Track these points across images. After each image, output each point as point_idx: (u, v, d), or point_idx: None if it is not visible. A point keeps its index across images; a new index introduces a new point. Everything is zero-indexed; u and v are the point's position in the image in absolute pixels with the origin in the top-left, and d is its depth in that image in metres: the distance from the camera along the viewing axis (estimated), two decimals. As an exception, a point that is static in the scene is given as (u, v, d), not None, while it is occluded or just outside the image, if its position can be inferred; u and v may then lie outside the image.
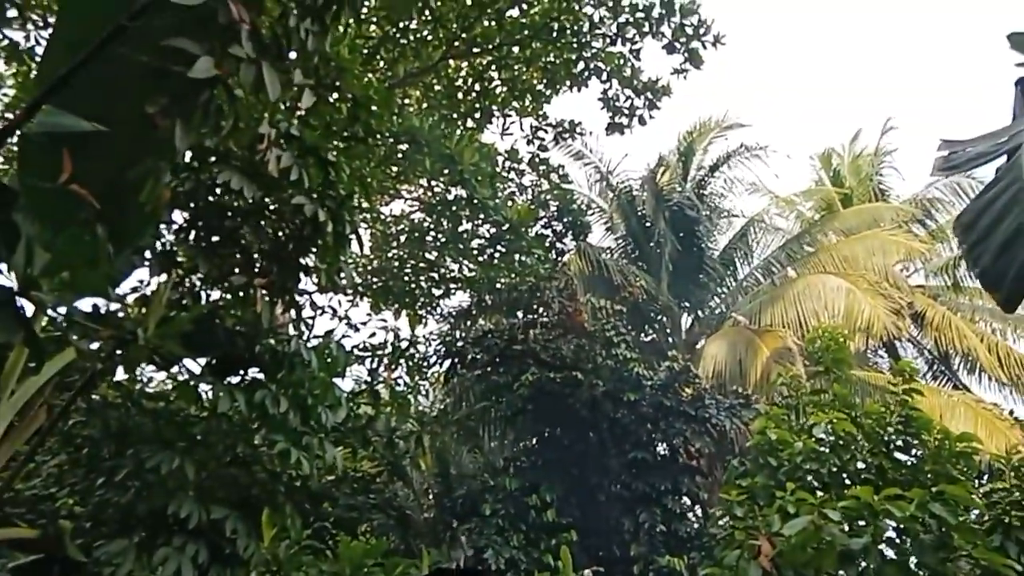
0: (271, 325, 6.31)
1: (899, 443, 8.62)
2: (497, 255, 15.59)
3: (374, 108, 12.22)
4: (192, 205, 6.42)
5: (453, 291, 17.85)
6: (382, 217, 18.16)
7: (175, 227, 6.47)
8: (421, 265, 17.16)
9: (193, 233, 6.73)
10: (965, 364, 20.26)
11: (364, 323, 19.32)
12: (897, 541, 6.25)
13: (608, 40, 15.10)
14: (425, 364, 15.75)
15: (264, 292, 6.24)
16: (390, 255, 17.64)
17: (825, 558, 6.30)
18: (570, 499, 14.03)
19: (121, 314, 5.83)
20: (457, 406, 16.24)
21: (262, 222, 6.93)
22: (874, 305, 16.15)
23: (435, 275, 17.17)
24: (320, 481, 13.13)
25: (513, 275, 16.03)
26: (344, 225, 6.80)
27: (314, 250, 6.90)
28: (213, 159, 6.14)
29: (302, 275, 7.15)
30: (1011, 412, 17.73)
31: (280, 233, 6.93)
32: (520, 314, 16.89)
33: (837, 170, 24.05)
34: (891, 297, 17.15)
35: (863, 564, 6.19)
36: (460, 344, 15.48)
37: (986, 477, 11.23)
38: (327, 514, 12.24)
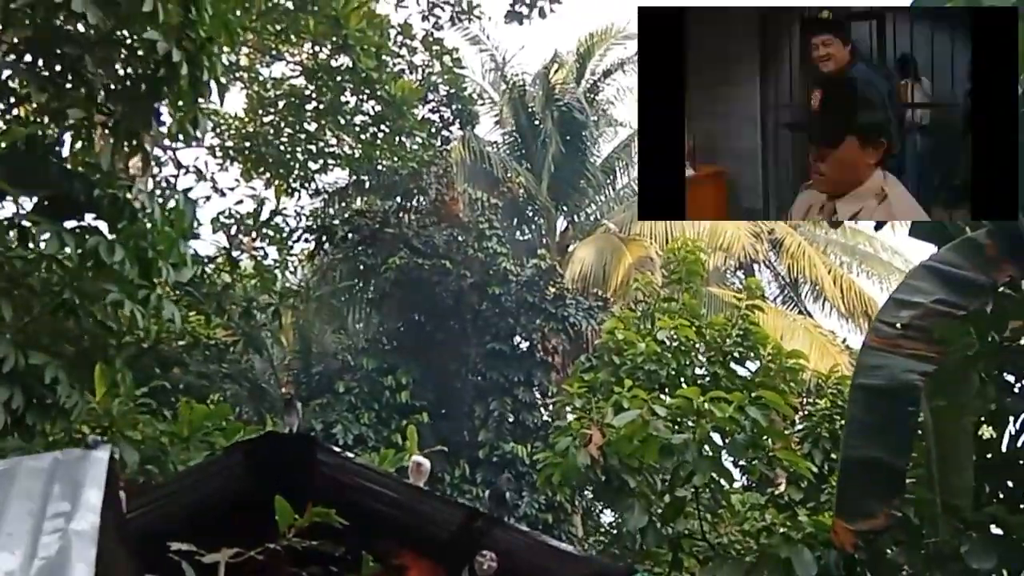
0: (112, 168, 5.87)
1: (736, 354, 9.16)
2: (381, 135, 15.11)
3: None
4: (27, 23, 5.78)
5: (331, 167, 17.28)
6: (260, 78, 17.13)
7: (5, 47, 5.83)
8: (300, 135, 16.44)
9: (28, 57, 6.11)
10: (812, 292, 21.60)
11: (231, 189, 18.47)
12: (716, 440, 6.69)
13: (515, -81, 14.46)
14: (290, 238, 15.25)
15: (106, 131, 5.77)
16: (267, 120, 16.76)
17: (648, 450, 6.68)
18: (426, 384, 14.29)
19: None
20: (321, 284, 15.97)
21: (113, 57, 6.36)
22: (737, 226, 16.82)
23: (312, 147, 16.53)
24: (170, 345, 12.72)
25: (396, 158, 15.63)
26: (202, 70, 6.32)
27: (169, 95, 6.42)
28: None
29: (155, 122, 6.68)
30: (844, 340, 19.15)
31: (131, 71, 6.38)
32: (397, 198, 16.58)
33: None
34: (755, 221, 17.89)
35: (683, 459, 6.60)
36: (330, 221, 15.09)
37: (814, 398, 12.23)
38: (175, 378, 11.90)
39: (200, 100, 6.93)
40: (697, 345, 9.16)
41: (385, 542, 5.67)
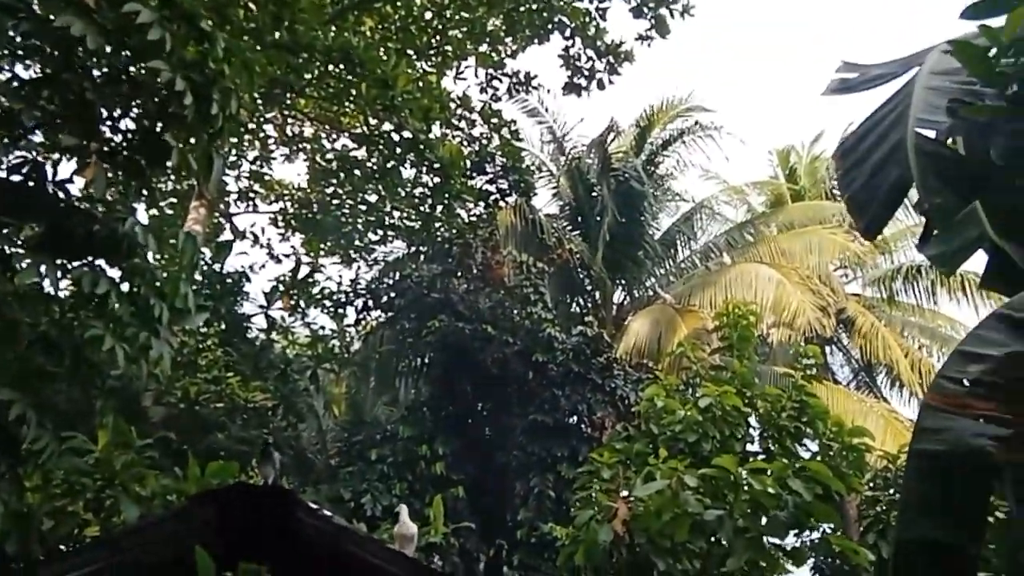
0: (103, 196, 5.61)
1: (792, 430, 8.26)
2: (440, 206, 14.99)
3: (302, 14, 11.42)
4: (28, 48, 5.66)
5: (391, 238, 17.23)
6: (323, 149, 17.41)
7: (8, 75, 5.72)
8: (360, 206, 16.51)
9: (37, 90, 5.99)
10: (888, 376, 20.19)
11: (287, 256, 18.59)
12: (751, 514, 5.83)
13: (576, -6, 14.56)
14: (330, 300, 15.03)
15: (99, 159, 5.53)
16: (328, 191, 16.95)
17: (679, 526, 5.87)
18: (464, 455, 13.55)
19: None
20: (365, 348, 15.62)
21: (120, 89, 6.21)
22: (802, 299, 15.85)
23: (372, 219, 16.55)
24: (209, 407, 12.49)
25: (453, 229, 15.45)
26: (211, 104, 6.09)
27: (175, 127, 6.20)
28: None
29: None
30: (924, 428, 17.62)
31: (138, 103, 6.21)
32: (449, 261, 16.31)
33: (794, 168, 23.73)
34: (819, 294, 16.88)
35: (717, 536, 5.78)
36: (374, 285, 14.82)
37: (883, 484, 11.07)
38: (219, 443, 11.64)
39: (217, 141, 6.75)
40: (749, 417, 8.33)
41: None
